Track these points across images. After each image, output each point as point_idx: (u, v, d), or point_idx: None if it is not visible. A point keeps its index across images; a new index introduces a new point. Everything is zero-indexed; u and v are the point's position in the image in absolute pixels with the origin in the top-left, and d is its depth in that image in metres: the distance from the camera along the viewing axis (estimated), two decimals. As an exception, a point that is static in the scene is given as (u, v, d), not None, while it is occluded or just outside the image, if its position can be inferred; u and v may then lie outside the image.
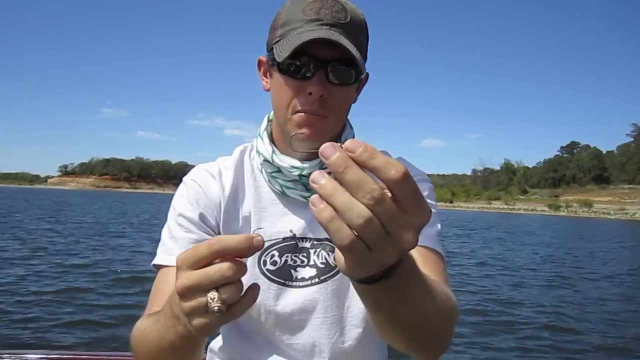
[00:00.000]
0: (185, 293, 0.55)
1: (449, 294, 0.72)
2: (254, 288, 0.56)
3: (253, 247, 0.52)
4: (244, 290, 0.55)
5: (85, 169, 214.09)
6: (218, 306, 0.53)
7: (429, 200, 1.00)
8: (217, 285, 0.53)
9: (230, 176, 1.00)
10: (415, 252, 0.86)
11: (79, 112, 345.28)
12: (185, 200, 0.98)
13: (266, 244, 0.96)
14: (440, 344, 0.73)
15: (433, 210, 0.96)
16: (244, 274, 0.54)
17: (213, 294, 0.53)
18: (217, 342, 1.11)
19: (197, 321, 0.55)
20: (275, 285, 0.97)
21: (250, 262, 0.97)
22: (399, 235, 0.45)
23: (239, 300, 0.55)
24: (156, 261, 0.94)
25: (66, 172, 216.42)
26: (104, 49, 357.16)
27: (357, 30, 0.89)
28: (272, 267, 0.97)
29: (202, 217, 0.96)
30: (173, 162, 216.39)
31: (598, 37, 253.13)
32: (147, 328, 0.75)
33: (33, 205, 35.23)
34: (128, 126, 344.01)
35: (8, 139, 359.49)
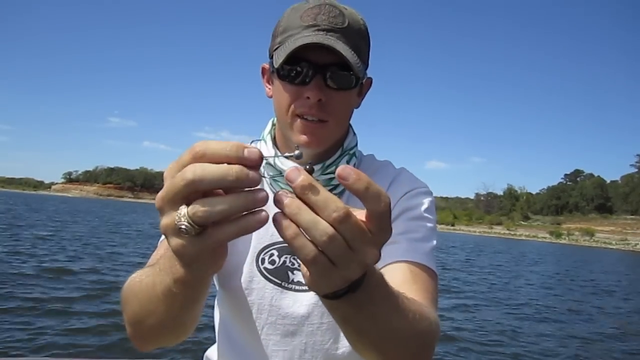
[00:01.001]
0: (161, 206, 0.48)
1: (425, 313, 0.71)
2: (258, 215, 0.46)
3: (244, 157, 0.44)
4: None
5: (89, 177, 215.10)
6: (184, 225, 0.45)
7: (427, 214, 0.95)
8: (187, 195, 0.45)
9: None
10: (405, 268, 0.85)
11: (86, 120, 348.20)
12: None
13: (266, 243, 0.98)
14: None
15: (430, 224, 0.96)
16: (228, 182, 0.44)
17: (181, 210, 0.46)
18: (212, 351, 1.10)
19: (172, 241, 0.49)
20: (272, 285, 0.96)
21: (249, 259, 0.98)
22: (362, 251, 0.46)
23: (225, 224, 0.46)
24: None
25: (70, 179, 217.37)
26: (113, 57, 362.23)
27: (356, 35, 0.89)
28: (269, 266, 0.97)
29: None
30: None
31: (606, 66, 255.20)
32: (142, 275, 0.73)
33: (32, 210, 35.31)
34: (134, 136, 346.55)
35: (13, 143, 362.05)
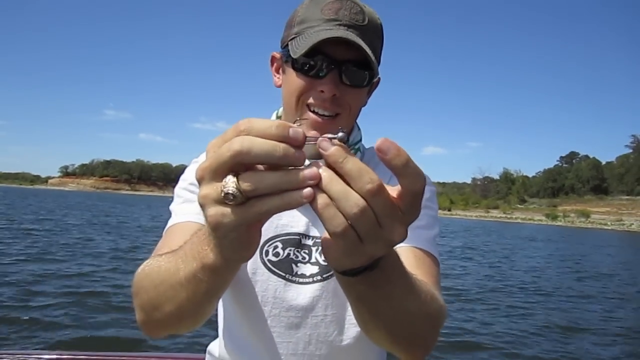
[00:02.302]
0: (202, 176, 0.47)
1: (435, 295, 0.72)
2: (305, 191, 0.44)
3: (288, 136, 0.44)
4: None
5: (85, 170, 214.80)
6: (232, 190, 0.44)
7: (429, 203, 0.96)
8: (232, 166, 0.44)
9: None
10: (409, 253, 0.86)
11: (81, 113, 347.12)
12: None
13: (270, 235, 0.98)
14: (424, 344, 0.72)
15: (432, 213, 0.97)
16: (275, 158, 0.43)
17: (229, 177, 0.45)
18: (215, 345, 1.11)
19: (212, 210, 0.46)
20: (275, 277, 0.96)
21: None
22: (390, 228, 0.45)
23: (269, 196, 0.45)
24: (170, 224, 0.93)
25: (67, 173, 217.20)
26: (108, 50, 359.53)
27: (373, 33, 0.89)
28: (273, 258, 0.97)
29: None
30: (174, 165, 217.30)
31: (599, 47, 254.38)
32: (160, 261, 0.71)
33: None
34: (130, 128, 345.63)
35: (9, 138, 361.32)
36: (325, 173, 0.44)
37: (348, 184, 0.44)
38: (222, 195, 0.45)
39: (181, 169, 1.02)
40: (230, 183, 0.44)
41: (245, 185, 0.44)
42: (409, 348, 0.71)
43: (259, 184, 0.44)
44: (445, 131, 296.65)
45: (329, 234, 0.46)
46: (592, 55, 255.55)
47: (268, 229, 0.98)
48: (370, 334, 0.69)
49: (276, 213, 0.46)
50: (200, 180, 0.47)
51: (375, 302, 0.58)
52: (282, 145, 0.43)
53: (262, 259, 0.97)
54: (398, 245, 0.49)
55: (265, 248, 0.97)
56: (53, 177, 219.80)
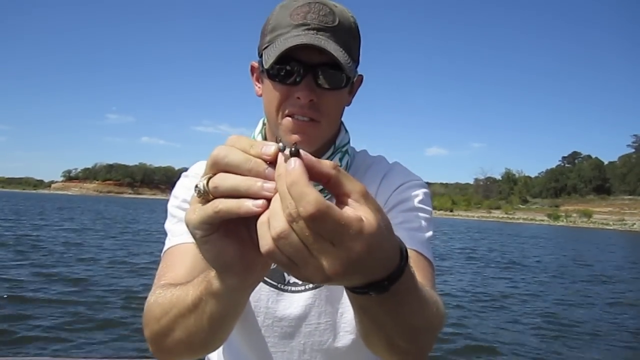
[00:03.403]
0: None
1: (439, 305, 0.71)
2: (256, 201, 0.47)
3: (261, 152, 0.47)
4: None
5: (88, 174, 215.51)
6: (200, 185, 0.49)
7: (421, 205, 0.96)
8: (212, 166, 0.49)
9: None
10: None
11: (84, 117, 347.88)
12: (188, 190, 0.98)
13: None
14: (421, 353, 0.71)
15: (426, 215, 0.96)
16: (245, 169, 0.47)
17: (205, 177, 0.49)
18: (211, 356, 1.12)
19: (188, 208, 0.51)
20: (267, 287, 0.96)
21: None
22: (319, 259, 0.44)
23: (227, 199, 0.48)
24: (168, 246, 0.93)
25: (70, 177, 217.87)
26: (110, 54, 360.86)
27: (346, 33, 0.88)
28: None
29: None
30: (176, 168, 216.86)
31: (601, 47, 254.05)
32: (173, 289, 0.72)
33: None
34: (133, 132, 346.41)
35: (12, 143, 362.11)
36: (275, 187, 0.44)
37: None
38: (195, 190, 0.49)
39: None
40: (202, 180, 0.49)
41: (211, 183, 0.48)
42: (406, 357, 0.70)
43: (221, 182, 0.48)
44: (448, 132, 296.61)
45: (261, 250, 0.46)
46: (594, 55, 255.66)
47: None
48: (370, 343, 0.69)
49: (232, 216, 0.47)
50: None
51: (380, 317, 0.56)
52: (255, 159, 0.47)
53: None
54: None
55: None
56: (56, 182, 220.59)
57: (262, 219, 0.45)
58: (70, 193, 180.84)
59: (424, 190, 1.00)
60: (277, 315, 0.96)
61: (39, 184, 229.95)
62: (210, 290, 0.59)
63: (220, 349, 1.06)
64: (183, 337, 0.70)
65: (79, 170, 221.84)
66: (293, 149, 0.44)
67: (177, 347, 0.72)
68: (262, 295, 0.96)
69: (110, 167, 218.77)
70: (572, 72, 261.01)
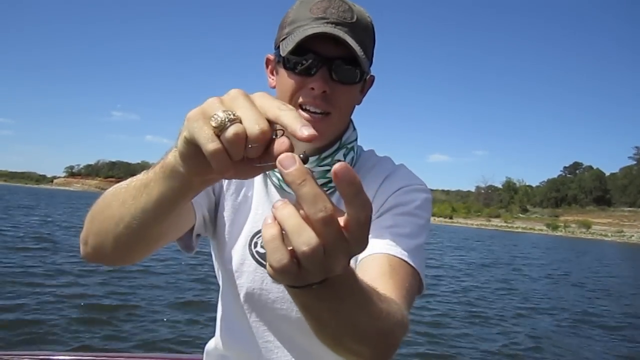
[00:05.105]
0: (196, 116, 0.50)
1: (392, 310, 0.69)
2: (284, 143, 0.46)
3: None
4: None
5: (91, 171, 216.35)
6: (227, 115, 0.47)
7: (418, 211, 0.96)
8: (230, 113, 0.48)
9: None
10: (384, 260, 0.85)
11: (88, 113, 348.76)
12: None
13: (259, 227, 1.00)
14: (377, 358, 0.69)
15: (420, 221, 0.94)
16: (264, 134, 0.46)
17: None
18: (211, 342, 1.13)
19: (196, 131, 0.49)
20: (262, 269, 0.97)
21: (242, 241, 1.01)
22: (334, 258, 0.45)
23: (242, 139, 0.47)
24: None
25: (72, 173, 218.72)
26: (118, 51, 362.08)
27: (363, 31, 0.90)
28: (262, 250, 0.97)
29: None
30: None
31: (605, 59, 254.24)
32: (122, 185, 0.72)
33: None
34: (137, 130, 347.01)
35: (16, 137, 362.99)
36: (283, 206, 0.44)
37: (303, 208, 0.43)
38: (213, 115, 0.48)
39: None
40: (226, 112, 0.47)
41: (229, 113, 0.47)
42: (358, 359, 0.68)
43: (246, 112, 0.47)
44: (451, 139, 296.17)
45: (268, 264, 0.45)
46: (599, 66, 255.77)
47: (259, 221, 1.01)
48: (319, 339, 0.66)
49: (235, 145, 0.46)
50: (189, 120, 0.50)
51: (320, 312, 0.56)
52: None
53: (250, 250, 0.98)
54: (375, 252, 0.53)
55: (255, 240, 0.99)
56: (58, 177, 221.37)
57: (272, 233, 0.44)
58: (72, 189, 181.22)
59: (424, 195, 0.98)
60: (271, 297, 0.97)
61: (42, 179, 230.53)
62: (164, 166, 0.59)
63: (220, 330, 1.09)
64: (110, 222, 0.70)
65: (81, 166, 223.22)
66: (302, 155, 0.45)
67: (101, 232, 0.73)
68: (257, 276, 0.97)
69: (113, 165, 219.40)
70: (576, 82, 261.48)
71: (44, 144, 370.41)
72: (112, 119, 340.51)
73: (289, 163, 0.43)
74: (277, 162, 0.44)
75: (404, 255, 0.86)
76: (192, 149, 0.50)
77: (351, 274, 0.55)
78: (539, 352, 6.79)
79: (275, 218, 0.44)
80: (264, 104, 0.48)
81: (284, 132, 0.47)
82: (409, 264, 0.86)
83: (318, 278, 0.47)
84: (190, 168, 0.54)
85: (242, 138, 0.46)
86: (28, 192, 76.64)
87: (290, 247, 0.44)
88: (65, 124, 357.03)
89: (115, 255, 0.75)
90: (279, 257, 0.44)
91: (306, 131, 0.44)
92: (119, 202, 0.69)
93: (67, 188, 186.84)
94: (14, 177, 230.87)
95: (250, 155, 0.47)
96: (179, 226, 0.88)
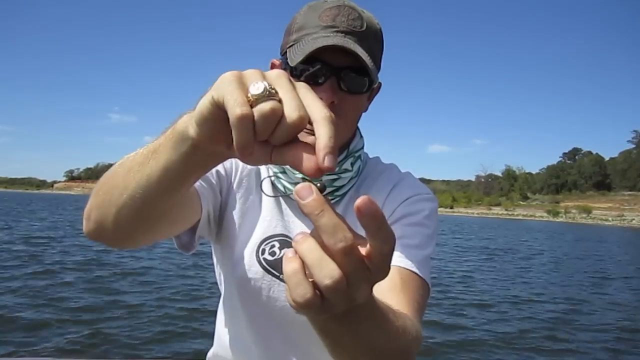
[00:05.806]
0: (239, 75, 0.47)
1: (408, 327, 0.68)
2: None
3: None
4: None
5: (90, 174, 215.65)
6: (269, 89, 0.44)
7: (426, 221, 0.96)
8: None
9: (241, 165, 1.03)
10: (395, 274, 0.84)
11: (86, 117, 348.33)
12: None
13: (269, 234, 1.00)
14: None
15: (428, 231, 0.94)
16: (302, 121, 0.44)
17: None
18: (211, 352, 1.13)
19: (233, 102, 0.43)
20: (269, 276, 0.97)
21: (249, 248, 1.00)
22: (357, 287, 0.44)
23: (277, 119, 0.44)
24: None
25: (72, 177, 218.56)
26: (113, 54, 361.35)
27: (372, 39, 0.89)
28: (269, 257, 0.97)
29: (219, 172, 0.98)
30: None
31: (602, 44, 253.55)
32: (130, 154, 0.69)
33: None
34: (135, 131, 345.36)
35: (15, 144, 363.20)
36: (303, 240, 0.43)
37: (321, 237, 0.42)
38: (251, 85, 0.44)
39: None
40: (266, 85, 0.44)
41: (268, 88, 0.44)
42: None
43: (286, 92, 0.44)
44: (450, 129, 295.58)
45: (291, 300, 0.44)
46: (595, 51, 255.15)
47: (267, 228, 1.00)
48: (334, 358, 0.65)
49: (264, 119, 0.43)
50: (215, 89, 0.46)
51: (338, 336, 0.55)
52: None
53: (257, 257, 0.98)
54: None
55: (262, 247, 0.98)
56: (59, 182, 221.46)
57: (293, 268, 0.43)
58: (72, 193, 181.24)
59: (432, 204, 0.99)
60: (277, 305, 0.97)
61: (42, 184, 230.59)
62: (169, 136, 0.56)
63: (222, 337, 1.09)
64: (114, 191, 0.68)
65: (81, 170, 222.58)
66: (319, 185, 0.44)
67: (104, 204, 0.70)
68: (263, 283, 0.97)
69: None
70: (572, 68, 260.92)
71: (43, 149, 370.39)
72: (110, 122, 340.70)
73: (305, 194, 0.42)
74: (293, 193, 0.43)
75: (413, 267, 0.86)
76: (214, 111, 0.46)
77: (371, 297, 0.54)
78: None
79: (295, 252, 0.44)
80: (306, 96, 0.45)
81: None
82: (419, 275, 0.86)
83: (341, 308, 0.45)
84: (203, 132, 0.49)
85: (278, 116, 0.43)
86: (30, 198, 76.26)
87: (312, 279, 0.43)
88: (63, 128, 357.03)
89: (116, 233, 0.73)
90: (302, 291, 0.43)
91: (327, 161, 0.42)
92: (125, 170, 0.67)
93: (67, 192, 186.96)
94: (14, 183, 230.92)
95: (275, 139, 0.44)
96: (183, 213, 0.85)
